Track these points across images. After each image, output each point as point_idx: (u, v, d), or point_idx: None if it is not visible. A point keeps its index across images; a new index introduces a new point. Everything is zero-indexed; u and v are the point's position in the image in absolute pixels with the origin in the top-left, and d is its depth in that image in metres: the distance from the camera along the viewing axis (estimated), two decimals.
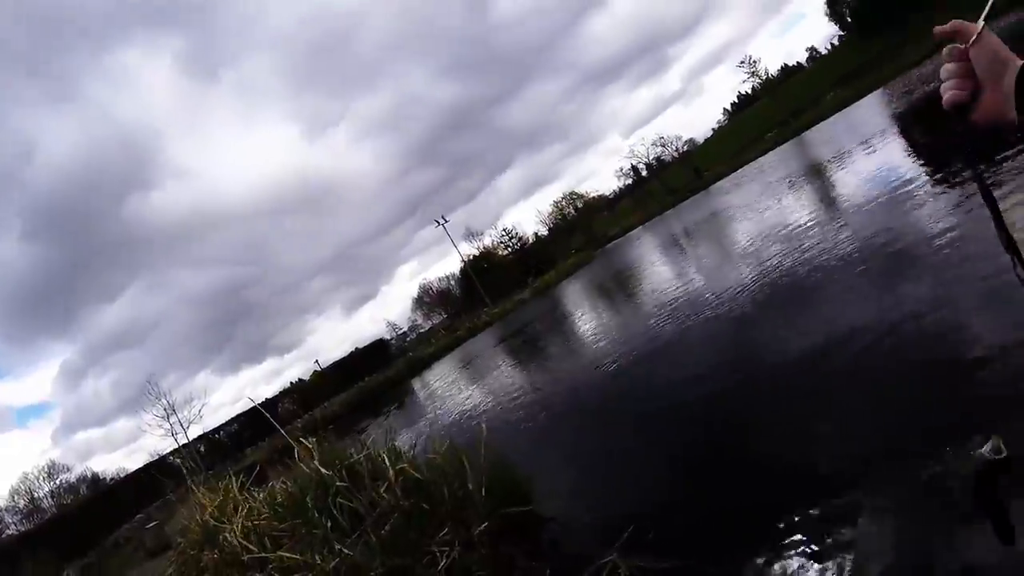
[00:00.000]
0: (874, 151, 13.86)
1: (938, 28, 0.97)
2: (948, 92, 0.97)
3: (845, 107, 38.43)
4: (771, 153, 41.76)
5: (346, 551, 3.74)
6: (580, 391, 8.05)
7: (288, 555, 3.99)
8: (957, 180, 7.42)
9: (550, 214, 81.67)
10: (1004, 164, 6.37)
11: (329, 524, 4.32)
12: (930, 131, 13.05)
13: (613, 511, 3.98)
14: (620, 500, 4.20)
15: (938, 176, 8.34)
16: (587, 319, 15.18)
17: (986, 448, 2.45)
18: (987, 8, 0.92)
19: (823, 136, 29.07)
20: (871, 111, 25.79)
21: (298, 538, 4.38)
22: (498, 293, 56.19)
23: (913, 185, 8.48)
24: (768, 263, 8.69)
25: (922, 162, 10.03)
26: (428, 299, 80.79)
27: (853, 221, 8.40)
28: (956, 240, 5.41)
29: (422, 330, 75.76)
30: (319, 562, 3.73)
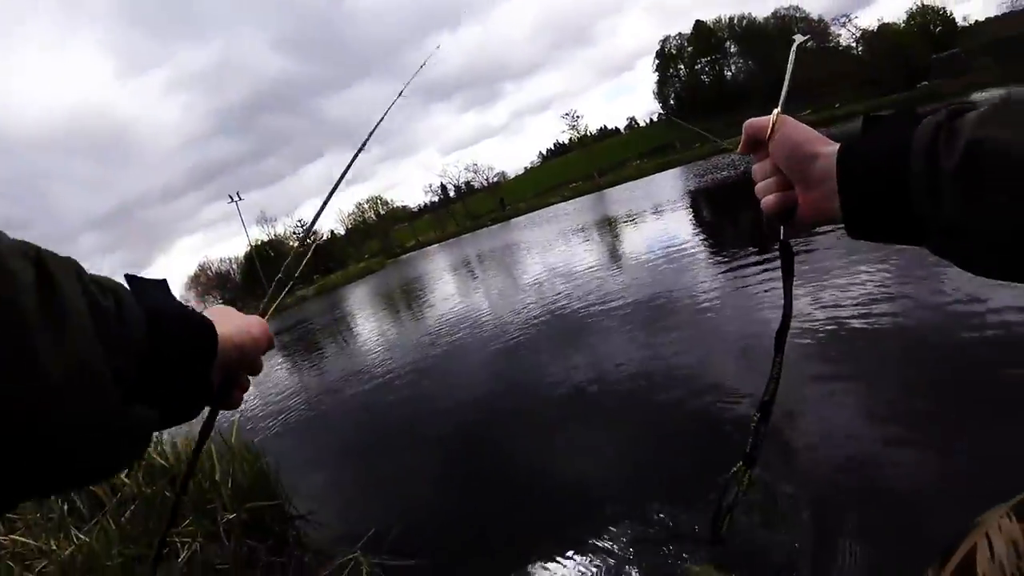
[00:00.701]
0: (661, 217, 14.72)
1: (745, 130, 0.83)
2: (762, 198, 0.83)
3: (646, 176, 41.68)
4: (572, 201, 44.08)
5: (83, 537, 3.62)
6: (346, 397, 7.70)
7: (22, 539, 3.76)
8: (723, 254, 8.19)
9: (351, 214, 79.45)
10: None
11: (66, 508, 4.20)
12: (713, 209, 14.17)
13: (361, 513, 4.07)
14: (369, 503, 4.28)
15: (712, 248, 8.90)
16: (366, 325, 14.58)
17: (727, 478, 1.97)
18: (783, 95, 0.82)
19: (621, 196, 31.15)
20: (667, 184, 28.03)
21: (31, 523, 4.11)
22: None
23: (687, 252, 9.15)
24: (548, 299, 8.96)
25: (701, 234, 10.76)
26: (205, 279, 74.27)
27: (630, 273, 8.99)
28: (716, 305, 6.06)
29: None
30: (55, 548, 3.57)
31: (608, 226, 17.59)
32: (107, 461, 0.51)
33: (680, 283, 7.33)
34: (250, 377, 0.79)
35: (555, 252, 15.06)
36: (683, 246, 9.73)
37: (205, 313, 0.68)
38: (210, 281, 75.09)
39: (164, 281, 0.66)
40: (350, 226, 79.50)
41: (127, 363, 0.51)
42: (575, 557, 2.82)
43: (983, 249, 0.57)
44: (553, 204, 48.88)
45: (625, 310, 6.88)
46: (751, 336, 4.80)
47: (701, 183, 23.69)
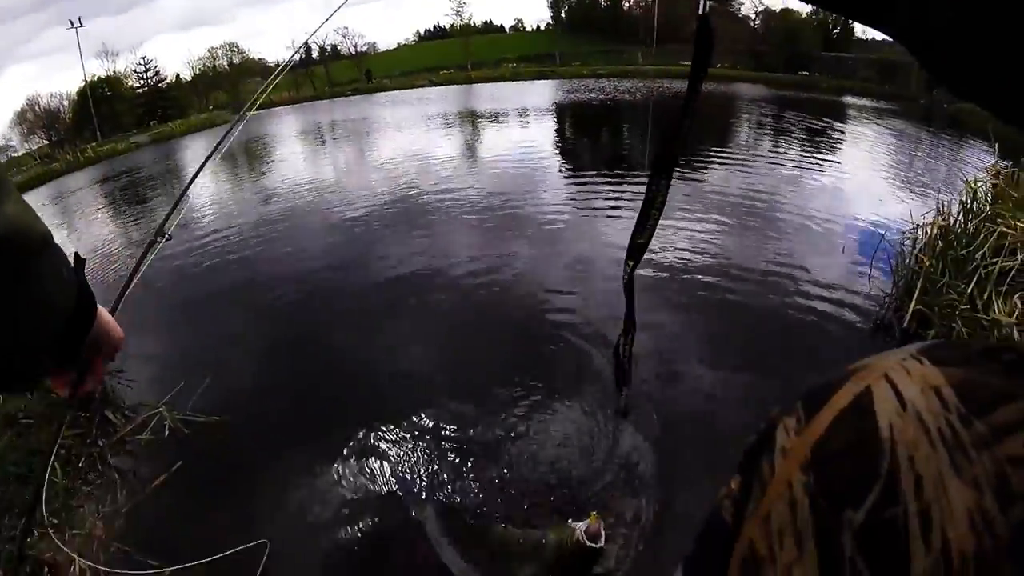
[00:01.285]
0: (526, 124, 14.65)
1: None
2: None
3: (519, 80, 41.05)
4: (440, 88, 42.57)
5: None
6: (170, 256, 7.01)
7: None
8: (578, 172, 8.34)
9: (200, 59, 71.05)
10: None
11: None
12: (575, 126, 14.29)
13: (175, 373, 3.88)
14: (185, 363, 4.06)
15: (568, 163, 8.98)
16: (201, 182, 13.09)
17: (581, 527, 2.00)
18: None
19: (490, 94, 30.50)
20: (538, 93, 27.81)
21: None
22: (114, 128, 46.80)
23: (544, 162, 9.21)
24: (397, 182, 8.69)
25: (559, 148, 10.82)
26: (32, 116, 63.69)
27: (484, 172, 8.90)
28: (562, 218, 6.18)
29: (14, 153, 59.06)
30: None
31: (471, 121, 17.25)
32: None
33: (531, 192, 7.36)
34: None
35: (413, 135, 14.55)
36: (541, 156, 9.76)
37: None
38: (38, 119, 64.91)
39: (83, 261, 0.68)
40: (197, 71, 71.34)
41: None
42: (388, 436, 2.85)
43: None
44: (420, 87, 46.85)
45: (472, 209, 6.81)
46: (586, 255, 5.00)
47: (569, 99, 23.75)
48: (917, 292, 3.61)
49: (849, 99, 20.30)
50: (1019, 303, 3.52)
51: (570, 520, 2.08)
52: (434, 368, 3.42)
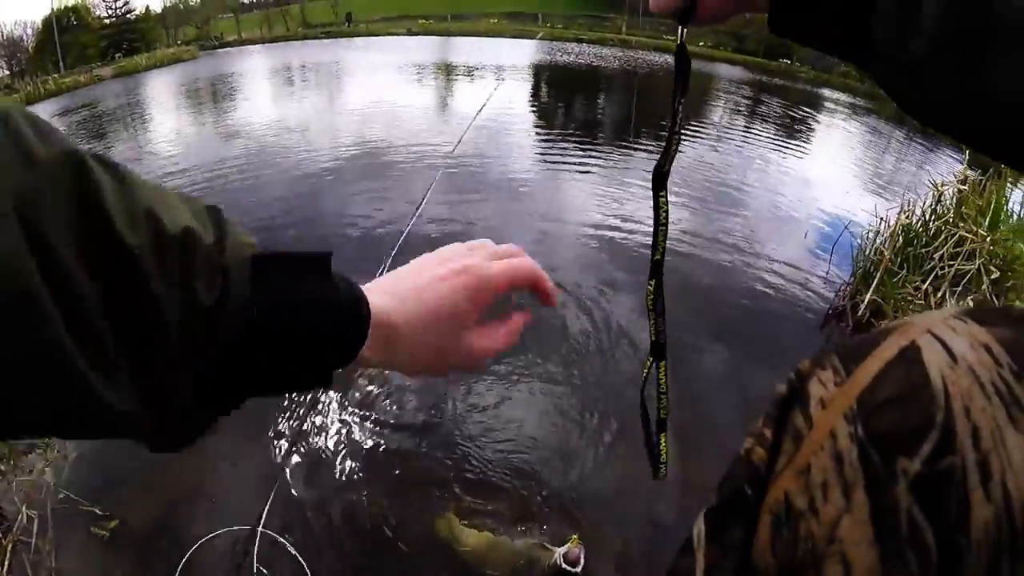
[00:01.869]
0: (502, 80, 14.42)
1: None
2: None
3: (499, 37, 40.37)
4: (417, 38, 41.72)
5: None
6: None
7: None
8: (550, 134, 8.15)
9: None
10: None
11: None
12: (552, 88, 14.14)
13: None
14: None
15: (541, 125, 8.86)
16: (163, 119, 12.54)
17: (559, 553, 1.96)
18: None
19: (468, 48, 29.94)
20: (517, 51, 27.38)
21: None
22: (78, 60, 44.56)
23: (517, 122, 9.04)
24: (366, 132, 8.40)
25: (534, 108, 10.70)
26: None
27: (455, 127, 8.65)
28: (531, 180, 6.16)
29: None
30: None
31: (446, 73, 16.93)
32: (44, 424, 0.36)
33: (501, 152, 7.25)
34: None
35: (385, 84, 14.19)
36: (513, 115, 9.59)
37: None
38: None
39: (324, 258, 0.48)
40: (168, 4, 68.29)
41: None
42: (336, 414, 2.74)
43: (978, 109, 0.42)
44: (397, 35, 45.89)
45: (441, 165, 6.54)
46: (553, 218, 4.94)
47: (548, 60, 23.45)
48: (875, 283, 3.65)
49: (827, 92, 20.47)
50: (971, 303, 3.61)
51: (546, 544, 2.05)
52: None
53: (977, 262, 3.78)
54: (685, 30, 0.65)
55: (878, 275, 3.70)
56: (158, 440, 0.42)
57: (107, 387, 0.34)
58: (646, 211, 4.96)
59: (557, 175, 6.39)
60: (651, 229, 0.66)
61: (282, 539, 2.05)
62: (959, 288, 3.73)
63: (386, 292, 0.51)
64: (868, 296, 3.60)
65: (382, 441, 2.53)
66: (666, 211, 0.69)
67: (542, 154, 7.35)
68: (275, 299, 0.43)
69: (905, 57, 0.44)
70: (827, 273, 4.11)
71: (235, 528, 2.08)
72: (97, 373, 0.34)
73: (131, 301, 0.35)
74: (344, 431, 2.58)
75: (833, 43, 0.52)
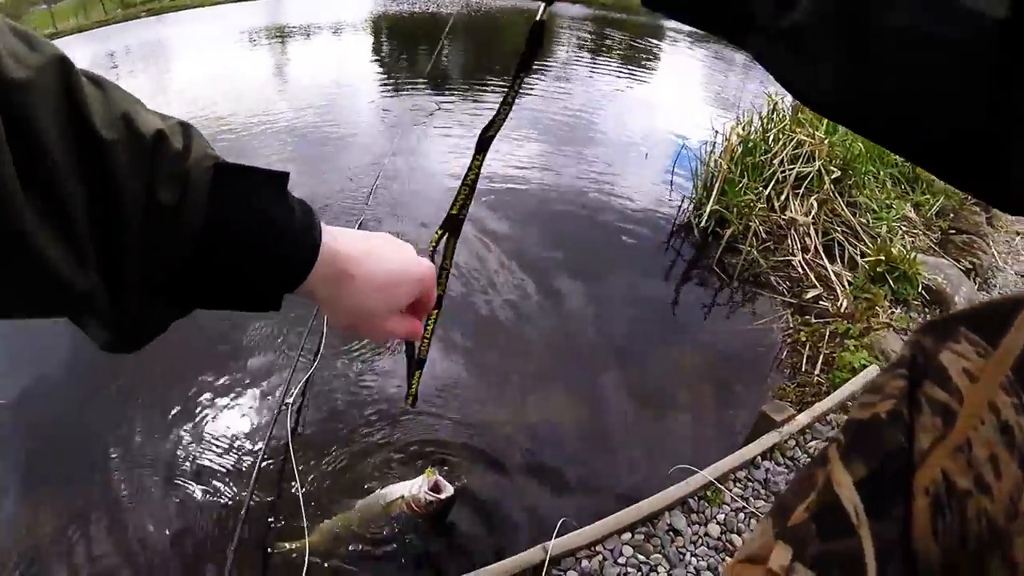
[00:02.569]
0: (339, 37, 13.86)
1: None
2: None
3: None
4: (245, 4, 39.35)
5: None
6: None
7: None
8: (389, 84, 8.13)
9: None
10: None
11: None
12: (394, 38, 13.72)
13: None
14: None
15: (382, 78, 8.55)
16: None
17: (420, 488, 1.89)
18: None
19: (300, 7, 28.46)
20: (355, 6, 26.30)
21: None
22: None
23: (359, 79, 8.76)
24: (201, 109, 7.71)
25: (375, 62, 10.38)
26: None
27: (294, 94, 8.28)
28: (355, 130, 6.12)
29: None
30: None
31: (280, 37, 15.98)
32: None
33: (339, 109, 7.07)
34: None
35: (217, 58, 13.22)
36: (355, 72, 9.32)
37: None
38: None
39: (282, 176, 0.51)
40: None
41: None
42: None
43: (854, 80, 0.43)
44: (224, 3, 42.96)
45: (285, 130, 6.43)
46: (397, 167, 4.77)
47: (388, 9, 22.66)
48: (715, 193, 3.71)
49: (670, 23, 21.01)
50: (815, 204, 3.75)
51: (400, 489, 1.97)
52: None
53: (817, 164, 3.92)
54: (547, 8, 0.66)
55: (717, 185, 3.76)
56: (113, 333, 0.45)
57: (67, 264, 0.37)
58: (497, 158, 4.96)
59: (397, 122, 6.27)
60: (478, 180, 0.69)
61: None
62: (800, 190, 3.86)
63: (355, 242, 0.56)
64: (710, 207, 3.66)
65: None
66: (476, 173, 0.71)
67: (385, 104, 7.22)
68: (231, 207, 0.46)
69: (787, 24, 0.45)
70: (670, 191, 4.16)
71: None
72: (58, 249, 0.36)
73: (99, 190, 0.39)
74: None
75: (708, 17, 0.53)
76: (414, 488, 1.91)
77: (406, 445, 2.27)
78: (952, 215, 4.35)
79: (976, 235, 4.21)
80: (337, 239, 0.54)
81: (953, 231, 4.21)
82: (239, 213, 0.46)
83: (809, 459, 1.81)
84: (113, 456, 2.31)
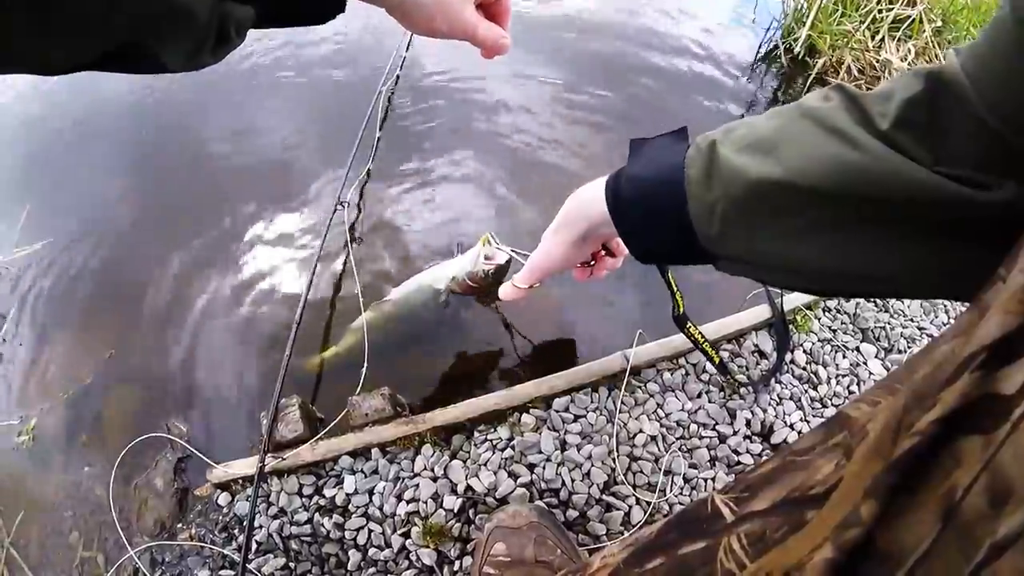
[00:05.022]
0: None
1: None
2: None
3: None
4: None
5: None
6: None
7: None
8: None
9: None
10: None
11: None
12: None
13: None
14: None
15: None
16: None
17: (478, 256, 1.68)
18: None
19: None
20: None
21: None
22: None
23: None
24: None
25: None
26: None
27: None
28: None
29: None
30: None
31: None
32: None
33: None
34: None
35: None
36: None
37: None
38: None
39: None
40: None
41: None
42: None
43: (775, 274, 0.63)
44: None
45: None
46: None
47: None
48: (810, 19, 3.37)
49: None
50: (912, 49, 3.43)
51: (453, 267, 1.77)
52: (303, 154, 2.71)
53: (919, 8, 3.56)
54: None
55: (813, 12, 3.42)
56: (195, 45, 0.44)
57: None
58: None
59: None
60: None
61: None
62: (898, 34, 3.52)
63: None
64: (804, 32, 3.33)
65: None
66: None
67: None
68: None
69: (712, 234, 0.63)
70: (754, 17, 3.78)
71: None
72: None
73: None
74: None
75: (689, 260, 0.70)
76: (467, 262, 1.71)
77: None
78: None
79: None
80: None
81: None
82: None
83: None
84: (176, 261, 2.15)
